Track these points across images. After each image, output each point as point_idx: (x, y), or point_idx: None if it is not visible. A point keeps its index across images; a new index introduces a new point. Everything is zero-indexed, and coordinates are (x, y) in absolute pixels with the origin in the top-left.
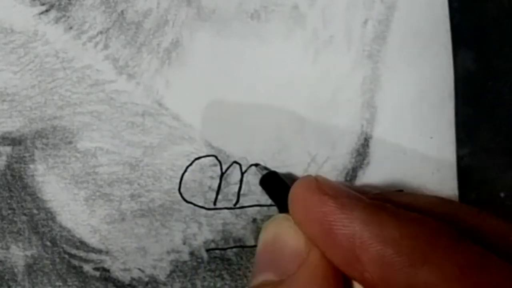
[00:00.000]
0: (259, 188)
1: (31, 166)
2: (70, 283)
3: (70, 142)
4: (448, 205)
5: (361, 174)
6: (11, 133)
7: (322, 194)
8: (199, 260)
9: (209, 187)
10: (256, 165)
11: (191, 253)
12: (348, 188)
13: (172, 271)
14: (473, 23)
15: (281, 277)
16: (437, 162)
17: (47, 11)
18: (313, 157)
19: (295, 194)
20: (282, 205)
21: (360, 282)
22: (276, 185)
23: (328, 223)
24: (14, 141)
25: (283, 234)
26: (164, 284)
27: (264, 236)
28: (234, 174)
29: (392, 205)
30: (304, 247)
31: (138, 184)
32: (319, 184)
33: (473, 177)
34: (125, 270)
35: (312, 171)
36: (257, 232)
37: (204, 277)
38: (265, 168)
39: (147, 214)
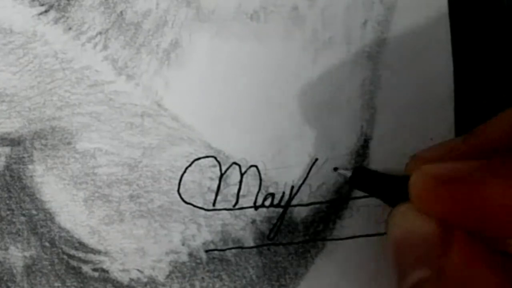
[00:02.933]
0: (258, 189)
1: (30, 166)
2: (69, 284)
3: (69, 143)
4: None
5: None
6: (10, 134)
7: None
8: (198, 261)
9: (208, 188)
10: (335, 169)
11: (190, 254)
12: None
13: (171, 272)
14: (473, 23)
15: (433, 268)
16: None
17: (46, 11)
18: (313, 158)
19: (418, 186)
20: (390, 199)
21: None
22: (373, 179)
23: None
24: (13, 141)
25: (415, 225)
26: (163, 285)
27: (394, 233)
28: (234, 175)
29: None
30: (441, 231)
31: (137, 185)
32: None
33: None
34: (124, 271)
35: (312, 171)
36: (256, 233)
37: (203, 277)
38: (344, 168)
39: (146, 215)
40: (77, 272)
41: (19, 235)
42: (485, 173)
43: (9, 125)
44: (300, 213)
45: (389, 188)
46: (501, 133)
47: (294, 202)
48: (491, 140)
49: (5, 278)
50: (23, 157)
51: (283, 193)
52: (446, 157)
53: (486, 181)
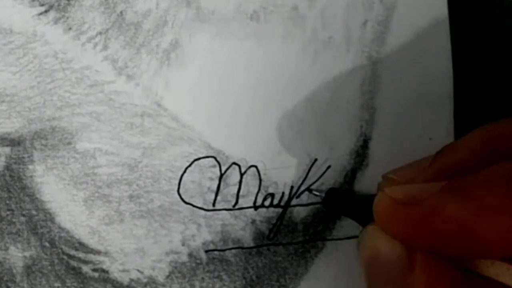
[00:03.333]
0: (258, 189)
1: (30, 167)
2: (69, 284)
3: (69, 143)
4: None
5: (360, 175)
6: (10, 134)
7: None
8: (198, 261)
9: (208, 188)
10: (310, 190)
11: (190, 254)
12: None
13: (170, 272)
14: (473, 23)
15: (398, 287)
16: None
17: (46, 11)
18: (312, 158)
19: (380, 208)
20: (361, 219)
21: (482, 256)
22: (344, 200)
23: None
24: (13, 142)
25: (382, 245)
26: (163, 285)
27: (364, 252)
28: (233, 175)
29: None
30: (404, 252)
31: (137, 185)
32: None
33: None
34: (124, 271)
35: (311, 172)
36: (256, 233)
37: (202, 278)
38: (317, 190)
39: (146, 215)
40: (77, 272)
41: (19, 235)
42: (442, 195)
43: (9, 125)
44: (299, 213)
45: (360, 209)
46: (468, 155)
47: (293, 202)
48: (458, 161)
49: (5, 278)
50: (23, 157)
51: (283, 193)
52: (414, 179)
53: (443, 203)
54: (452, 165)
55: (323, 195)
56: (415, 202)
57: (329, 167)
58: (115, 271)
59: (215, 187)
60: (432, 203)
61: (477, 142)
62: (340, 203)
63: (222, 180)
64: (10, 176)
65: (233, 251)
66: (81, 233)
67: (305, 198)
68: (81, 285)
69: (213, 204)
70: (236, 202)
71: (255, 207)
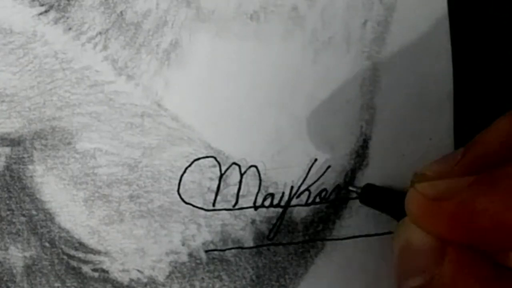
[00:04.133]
0: (258, 189)
1: (30, 167)
2: (69, 284)
3: (69, 143)
4: None
5: (360, 175)
6: (10, 134)
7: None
8: (198, 261)
9: (208, 188)
10: (347, 186)
11: (190, 254)
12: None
13: (171, 272)
14: (473, 23)
15: (427, 277)
16: None
17: (46, 11)
18: (312, 158)
19: (412, 204)
20: (397, 214)
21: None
22: (380, 197)
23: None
24: (13, 142)
25: (414, 237)
26: (163, 285)
27: (398, 244)
28: (233, 175)
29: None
30: (436, 244)
31: (137, 185)
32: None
33: None
34: (124, 271)
35: (311, 172)
36: (256, 233)
37: (202, 278)
38: (354, 186)
39: (146, 215)
40: (77, 272)
41: (19, 235)
42: (472, 189)
43: (9, 125)
44: (299, 213)
45: (395, 204)
46: (497, 146)
47: (293, 202)
48: (488, 154)
49: (5, 278)
50: (23, 157)
51: (283, 193)
52: (446, 173)
53: (473, 197)
54: (483, 158)
55: (359, 190)
56: (445, 197)
57: (329, 167)
58: (115, 271)
59: (215, 187)
60: (463, 198)
61: (505, 133)
62: (376, 198)
63: (222, 180)
64: (10, 176)
65: (233, 251)
66: (81, 233)
67: (305, 198)
68: (81, 285)
69: (213, 204)
70: (236, 202)
71: (255, 207)
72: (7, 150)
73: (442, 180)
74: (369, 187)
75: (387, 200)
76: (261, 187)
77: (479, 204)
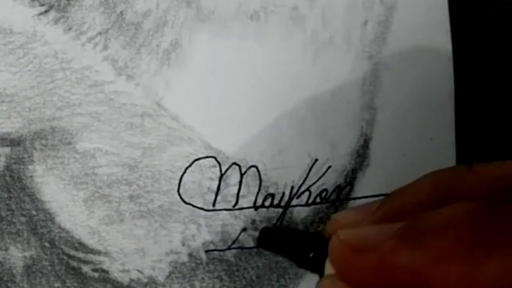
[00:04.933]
0: (258, 189)
1: (30, 167)
2: (69, 284)
3: (69, 143)
4: None
5: (360, 175)
6: (10, 134)
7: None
8: (198, 261)
9: (208, 188)
10: (244, 230)
11: (190, 254)
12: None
13: (171, 272)
14: (473, 23)
15: None
16: (437, 164)
17: (46, 11)
18: (313, 159)
19: (335, 259)
20: (297, 259)
21: None
22: (280, 239)
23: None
24: (13, 142)
25: None
26: (163, 285)
27: None
28: (234, 176)
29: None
30: None
31: (137, 185)
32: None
33: None
34: (124, 271)
35: (312, 172)
36: (256, 233)
37: (202, 278)
38: (253, 229)
39: (146, 215)
40: (77, 272)
41: (19, 235)
42: (395, 241)
43: (9, 125)
44: (300, 213)
45: (296, 247)
46: (416, 199)
47: (294, 202)
48: (405, 205)
49: (5, 279)
50: (23, 157)
51: (283, 193)
52: (359, 223)
53: (396, 250)
54: (400, 209)
55: (256, 234)
56: (368, 248)
57: (329, 167)
58: (115, 271)
59: (215, 187)
60: (385, 250)
61: (425, 190)
62: (275, 242)
63: (222, 180)
64: (10, 176)
65: (233, 251)
66: (81, 233)
67: (305, 198)
68: (81, 285)
69: (213, 204)
70: (236, 202)
71: (255, 207)
72: (7, 150)
73: (365, 227)
74: (266, 230)
75: (285, 243)
76: (261, 187)
77: (401, 258)
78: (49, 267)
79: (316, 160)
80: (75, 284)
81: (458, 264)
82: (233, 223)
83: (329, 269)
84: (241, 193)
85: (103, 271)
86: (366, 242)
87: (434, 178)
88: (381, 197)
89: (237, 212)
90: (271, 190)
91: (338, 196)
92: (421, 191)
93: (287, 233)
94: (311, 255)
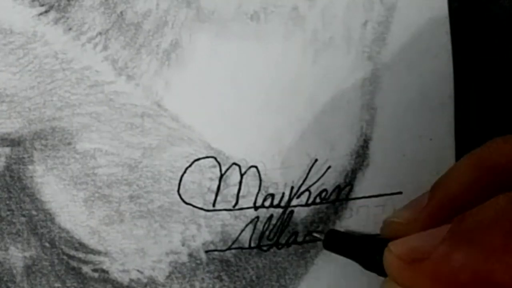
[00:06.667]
0: (258, 189)
1: (30, 167)
2: (69, 284)
3: (69, 143)
4: None
5: (360, 175)
6: (10, 134)
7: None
8: (198, 261)
9: (208, 189)
10: (310, 233)
11: (190, 255)
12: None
13: (171, 273)
14: (473, 23)
15: None
16: (436, 164)
17: (46, 12)
18: (313, 159)
19: (392, 274)
20: (362, 261)
21: None
22: (343, 242)
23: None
24: (13, 142)
25: None
26: (163, 286)
27: None
28: (234, 176)
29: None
30: None
31: (137, 186)
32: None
33: None
34: (124, 271)
35: (312, 172)
36: (256, 233)
37: (203, 278)
38: (318, 232)
39: (146, 215)
40: (77, 272)
41: (19, 235)
42: (447, 244)
43: (9, 126)
44: (300, 213)
45: (362, 251)
46: (462, 188)
47: (294, 202)
48: (452, 196)
49: (5, 279)
50: (23, 158)
51: (283, 193)
52: (416, 220)
53: (450, 253)
54: (447, 203)
55: (323, 237)
56: (422, 256)
57: (329, 167)
58: (115, 272)
59: (215, 187)
60: (439, 255)
61: (468, 174)
62: (340, 244)
63: (222, 180)
64: (10, 176)
65: (233, 251)
66: (81, 234)
67: (305, 198)
68: (81, 285)
69: (213, 205)
70: (236, 203)
71: (255, 207)
72: (7, 150)
73: (414, 236)
74: (332, 232)
75: (351, 246)
76: (261, 188)
77: (457, 260)
78: (49, 267)
79: (316, 160)
80: (75, 284)
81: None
82: (233, 223)
83: None
84: (241, 193)
85: (103, 271)
86: (418, 251)
87: (473, 158)
88: (361, 201)
89: (237, 212)
90: (271, 190)
91: (338, 196)
92: (464, 175)
93: (352, 236)
94: (377, 257)
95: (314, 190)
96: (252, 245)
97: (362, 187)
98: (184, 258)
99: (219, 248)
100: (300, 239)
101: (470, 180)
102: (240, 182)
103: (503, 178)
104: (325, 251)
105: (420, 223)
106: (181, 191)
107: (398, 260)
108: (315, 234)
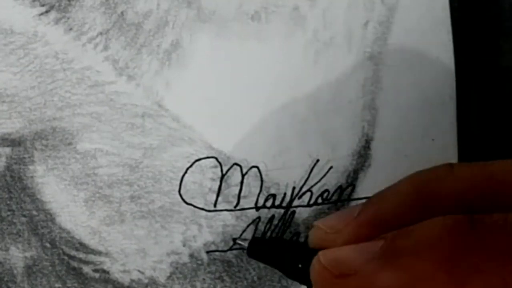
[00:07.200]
0: (259, 190)
1: (31, 167)
2: (69, 285)
3: (70, 144)
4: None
5: (362, 176)
6: (10, 134)
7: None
8: (199, 262)
9: (209, 189)
10: (234, 240)
11: (191, 255)
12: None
13: (171, 273)
14: (475, 23)
15: None
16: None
17: (47, 12)
18: (314, 159)
19: (317, 278)
20: (287, 271)
21: None
22: (269, 250)
23: None
24: (13, 142)
25: None
26: (164, 286)
27: None
28: (235, 176)
29: None
30: None
31: (138, 186)
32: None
33: None
34: (124, 271)
35: (313, 173)
36: (257, 234)
37: (204, 279)
38: (242, 239)
39: (147, 215)
40: (78, 273)
41: (19, 235)
42: (375, 263)
43: (10, 126)
44: (301, 214)
45: (285, 258)
46: (396, 204)
47: (295, 203)
48: (386, 211)
49: (5, 279)
50: (24, 158)
51: (285, 194)
52: (340, 231)
53: (376, 273)
54: (381, 214)
55: (246, 244)
56: (350, 272)
57: (331, 167)
58: (116, 272)
59: (216, 187)
60: (367, 274)
61: (405, 194)
62: (264, 252)
63: (224, 180)
64: (11, 176)
65: (234, 252)
66: (82, 234)
67: (307, 199)
68: (82, 286)
69: (214, 205)
70: (238, 203)
71: (257, 207)
72: (7, 150)
73: (344, 248)
74: (256, 240)
75: (274, 253)
76: (263, 188)
77: (382, 282)
78: (50, 268)
79: (318, 160)
80: (76, 284)
81: (439, 285)
82: (234, 224)
83: None
84: (242, 194)
85: (104, 271)
86: (347, 265)
87: (414, 180)
88: (362, 201)
89: (238, 213)
90: (272, 191)
91: (340, 197)
92: (401, 194)
93: (276, 244)
94: (299, 266)
95: (316, 190)
96: None
97: (364, 187)
98: (185, 259)
99: (220, 249)
100: (301, 239)
101: (406, 201)
102: (242, 183)
103: (440, 207)
104: None
105: (344, 235)
106: (182, 192)
107: (326, 271)
108: (239, 242)
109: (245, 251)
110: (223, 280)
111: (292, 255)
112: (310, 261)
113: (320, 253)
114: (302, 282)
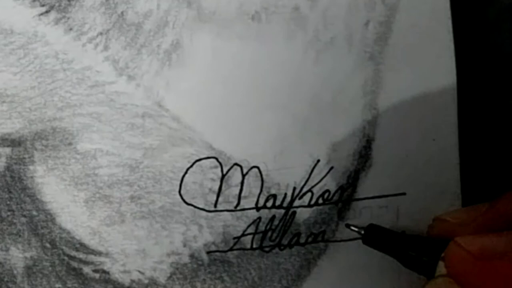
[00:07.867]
0: (260, 190)
1: (31, 167)
2: (69, 285)
3: (70, 144)
4: None
5: (363, 176)
6: (10, 135)
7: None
8: (200, 262)
9: (210, 189)
10: (347, 225)
11: (191, 255)
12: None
13: (172, 274)
14: (475, 23)
15: None
16: (440, 165)
17: (47, 12)
18: (315, 159)
19: (455, 261)
20: (403, 259)
21: None
22: (383, 238)
23: None
24: (13, 142)
25: None
26: (164, 287)
27: None
28: (235, 176)
29: None
30: None
31: (138, 186)
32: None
33: (477, 180)
34: (125, 272)
35: (314, 173)
36: (258, 234)
37: (204, 279)
38: (356, 226)
39: (147, 216)
40: (78, 273)
41: (19, 236)
42: None
43: (10, 126)
44: (302, 214)
45: (405, 248)
46: None
47: (296, 203)
48: None
49: (5, 279)
50: (24, 158)
51: (285, 194)
52: (471, 223)
53: None
54: (508, 214)
55: (362, 231)
56: (495, 256)
57: (331, 168)
58: (116, 272)
59: (216, 188)
60: None
61: None
62: (381, 240)
63: (224, 181)
64: (11, 176)
65: (235, 252)
66: (82, 234)
67: (307, 199)
68: (82, 286)
69: (215, 205)
70: (238, 203)
71: (257, 208)
72: (7, 150)
73: (484, 235)
74: (372, 228)
75: (393, 243)
76: (263, 188)
77: None
78: (50, 268)
79: (318, 161)
80: (76, 285)
81: None
82: (234, 224)
83: (441, 270)
84: (242, 194)
85: (104, 272)
86: (492, 250)
87: None
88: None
89: (238, 213)
90: (273, 191)
91: (341, 197)
92: None
93: (394, 233)
94: (424, 258)
95: (317, 191)
96: (254, 246)
97: (365, 188)
98: (186, 259)
99: (220, 249)
100: (302, 240)
101: None
102: (242, 183)
103: None
104: (327, 252)
105: (474, 227)
106: (182, 192)
107: (466, 255)
108: (354, 228)
109: (268, 248)
110: (223, 281)
111: (412, 245)
112: (435, 253)
113: (457, 238)
114: (420, 273)
